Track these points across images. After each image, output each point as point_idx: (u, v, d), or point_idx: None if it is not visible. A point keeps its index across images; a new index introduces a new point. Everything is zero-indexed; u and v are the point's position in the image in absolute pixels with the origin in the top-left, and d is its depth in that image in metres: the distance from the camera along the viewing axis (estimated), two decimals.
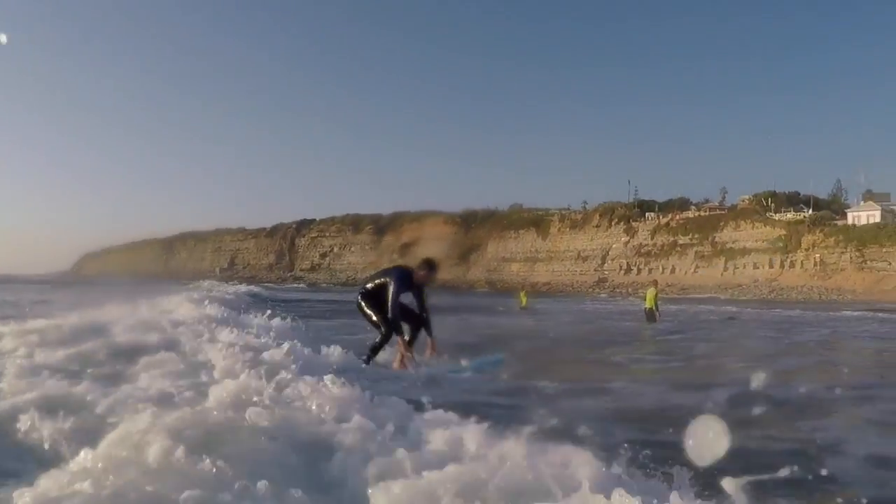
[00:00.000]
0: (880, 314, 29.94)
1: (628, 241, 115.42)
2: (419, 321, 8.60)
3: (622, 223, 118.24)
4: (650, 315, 21.57)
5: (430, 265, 8.77)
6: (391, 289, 8.32)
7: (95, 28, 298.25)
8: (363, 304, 8.59)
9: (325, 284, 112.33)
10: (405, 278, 8.48)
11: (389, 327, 8.34)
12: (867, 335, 18.16)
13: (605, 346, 12.79)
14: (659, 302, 22.41)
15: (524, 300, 31.21)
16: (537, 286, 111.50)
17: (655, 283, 23.66)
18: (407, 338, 8.44)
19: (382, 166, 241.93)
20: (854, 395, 6.77)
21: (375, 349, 8.41)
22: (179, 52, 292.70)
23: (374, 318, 8.49)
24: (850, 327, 21.72)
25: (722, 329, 20.39)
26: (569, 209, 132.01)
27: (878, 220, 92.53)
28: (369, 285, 8.70)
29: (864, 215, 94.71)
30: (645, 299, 22.56)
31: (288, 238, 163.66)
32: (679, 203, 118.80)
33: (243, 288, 37.69)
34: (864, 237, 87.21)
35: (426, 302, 8.63)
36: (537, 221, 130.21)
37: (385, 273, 8.78)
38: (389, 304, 8.28)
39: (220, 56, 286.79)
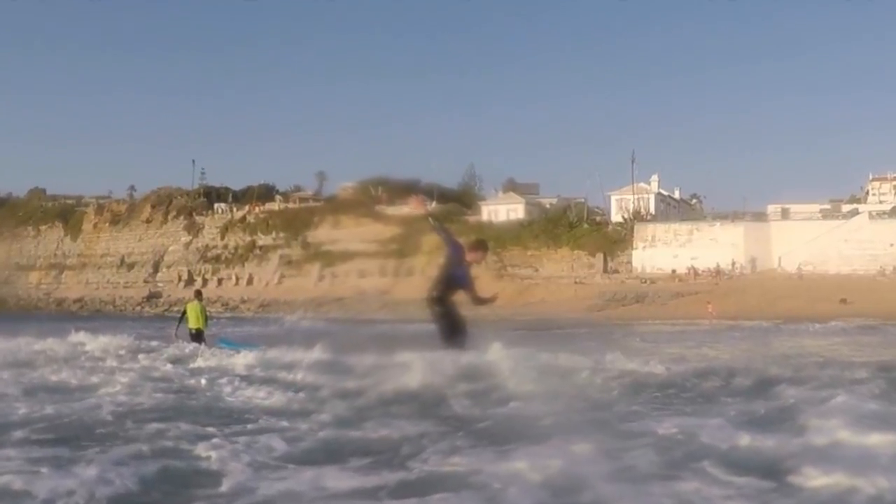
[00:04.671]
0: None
1: (190, 242, 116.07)
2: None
3: (182, 217, 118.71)
4: (197, 336, 21.69)
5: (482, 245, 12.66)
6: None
7: None
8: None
9: None
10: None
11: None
12: None
13: None
14: (212, 321, 22.93)
15: None
16: (65, 304, 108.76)
17: (199, 294, 24.15)
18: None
19: None
20: None
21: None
22: None
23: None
24: None
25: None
26: (109, 197, 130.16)
27: (521, 215, 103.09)
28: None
29: (504, 210, 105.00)
30: (185, 318, 22.47)
31: None
32: (260, 191, 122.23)
33: None
34: (503, 237, 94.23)
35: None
36: (66, 214, 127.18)
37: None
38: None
39: None
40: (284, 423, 7.10)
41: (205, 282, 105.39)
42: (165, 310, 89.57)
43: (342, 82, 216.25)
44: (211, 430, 6.79)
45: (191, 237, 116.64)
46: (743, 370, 9.60)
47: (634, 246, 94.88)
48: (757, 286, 77.02)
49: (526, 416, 7.03)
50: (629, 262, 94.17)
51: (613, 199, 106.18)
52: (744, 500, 4.55)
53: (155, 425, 6.98)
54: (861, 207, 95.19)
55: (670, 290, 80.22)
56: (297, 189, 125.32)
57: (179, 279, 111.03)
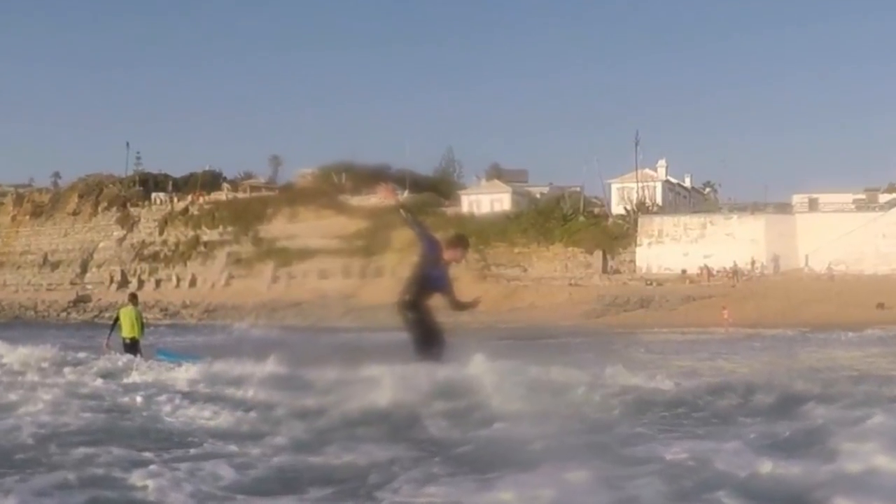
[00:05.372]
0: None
1: (124, 238, 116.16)
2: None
3: (115, 209, 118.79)
4: (132, 346, 22.00)
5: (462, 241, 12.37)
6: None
7: None
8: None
9: None
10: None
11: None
12: None
13: None
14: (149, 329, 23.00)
15: None
16: None
17: (134, 297, 24.33)
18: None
19: None
20: None
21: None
22: None
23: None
24: None
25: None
26: (30, 185, 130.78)
27: (507, 207, 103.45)
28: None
29: (488, 200, 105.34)
30: (118, 325, 22.79)
31: None
32: (205, 179, 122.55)
33: None
34: (487, 232, 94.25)
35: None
36: None
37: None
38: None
39: None
40: (233, 448, 7.09)
41: (141, 283, 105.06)
42: (95, 316, 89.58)
43: (299, 52, 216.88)
44: (148, 455, 6.77)
45: (124, 232, 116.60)
46: (764, 386, 9.65)
47: (638, 242, 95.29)
48: (780, 289, 77.35)
49: (512, 440, 7.06)
50: (632, 261, 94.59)
51: (614, 187, 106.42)
52: None
53: (83, 450, 6.94)
54: None
55: (680, 293, 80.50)
56: (248, 176, 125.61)
57: (111, 280, 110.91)
